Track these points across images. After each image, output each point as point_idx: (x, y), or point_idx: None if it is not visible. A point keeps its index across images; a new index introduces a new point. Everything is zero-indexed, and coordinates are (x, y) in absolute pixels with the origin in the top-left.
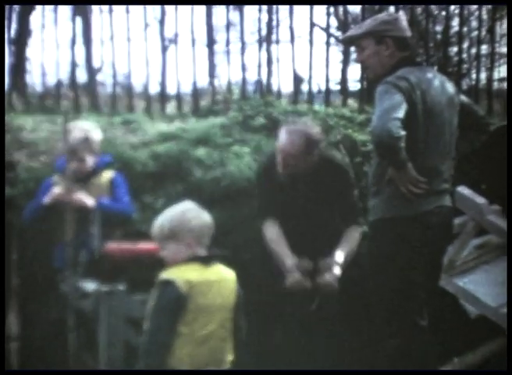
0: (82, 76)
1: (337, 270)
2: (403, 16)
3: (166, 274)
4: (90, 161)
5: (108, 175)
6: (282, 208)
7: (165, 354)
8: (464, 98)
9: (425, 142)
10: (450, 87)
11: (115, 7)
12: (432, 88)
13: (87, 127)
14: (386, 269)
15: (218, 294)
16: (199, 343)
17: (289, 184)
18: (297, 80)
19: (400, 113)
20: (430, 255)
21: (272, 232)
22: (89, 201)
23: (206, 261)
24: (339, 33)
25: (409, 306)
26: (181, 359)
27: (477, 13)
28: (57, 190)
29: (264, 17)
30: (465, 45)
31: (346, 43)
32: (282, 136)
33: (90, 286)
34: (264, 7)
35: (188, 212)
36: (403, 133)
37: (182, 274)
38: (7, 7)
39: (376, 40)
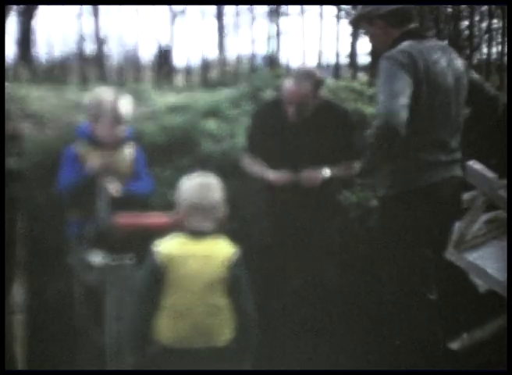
0: (89, 48)
1: (324, 171)
2: None
3: (155, 244)
4: (123, 131)
5: (130, 148)
6: (285, 145)
7: (143, 322)
8: (475, 76)
9: (431, 114)
10: (457, 60)
11: None
12: (435, 61)
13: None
14: (397, 242)
15: (199, 268)
16: (178, 317)
17: (296, 123)
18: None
19: (406, 98)
20: (439, 226)
21: (250, 161)
22: (115, 188)
23: (194, 234)
24: (348, 7)
25: (419, 280)
26: (162, 332)
27: None
28: (96, 160)
29: None
30: (476, 19)
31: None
32: (290, 81)
33: (97, 258)
34: None
35: (190, 183)
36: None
37: (164, 245)
38: None
39: (368, 21)
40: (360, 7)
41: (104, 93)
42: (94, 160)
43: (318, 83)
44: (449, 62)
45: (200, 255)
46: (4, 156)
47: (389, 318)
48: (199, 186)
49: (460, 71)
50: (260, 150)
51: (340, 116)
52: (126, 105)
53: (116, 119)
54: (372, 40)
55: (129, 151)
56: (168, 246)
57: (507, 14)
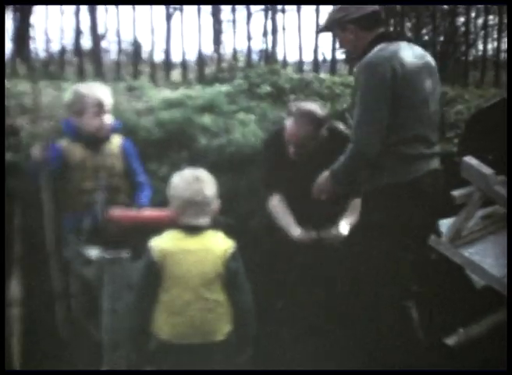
0: (86, 43)
1: (343, 229)
2: None
3: (152, 240)
4: (110, 120)
5: (117, 141)
6: (288, 182)
7: (141, 319)
8: None
9: (409, 111)
10: (430, 59)
11: None
12: (411, 61)
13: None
14: (380, 237)
15: (195, 264)
16: (176, 312)
17: (298, 160)
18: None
19: (385, 119)
20: (423, 219)
21: (277, 206)
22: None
23: (189, 230)
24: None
25: (403, 273)
26: (161, 327)
27: None
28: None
29: None
30: (472, 15)
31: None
32: (291, 121)
33: (93, 253)
34: None
35: (182, 179)
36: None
37: (160, 241)
38: None
39: (339, 28)
40: (330, 13)
41: (82, 87)
42: (34, 149)
43: (319, 124)
44: (423, 62)
45: (195, 250)
46: (4, 153)
47: (376, 312)
48: (191, 181)
49: (433, 69)
50: (272, 184)
51: (343, 146)
52: (106, 94)
53: (100, 109)
54: (344, 45)
55: (116, 144)
56: (164, 242)
57: (507, 14)
